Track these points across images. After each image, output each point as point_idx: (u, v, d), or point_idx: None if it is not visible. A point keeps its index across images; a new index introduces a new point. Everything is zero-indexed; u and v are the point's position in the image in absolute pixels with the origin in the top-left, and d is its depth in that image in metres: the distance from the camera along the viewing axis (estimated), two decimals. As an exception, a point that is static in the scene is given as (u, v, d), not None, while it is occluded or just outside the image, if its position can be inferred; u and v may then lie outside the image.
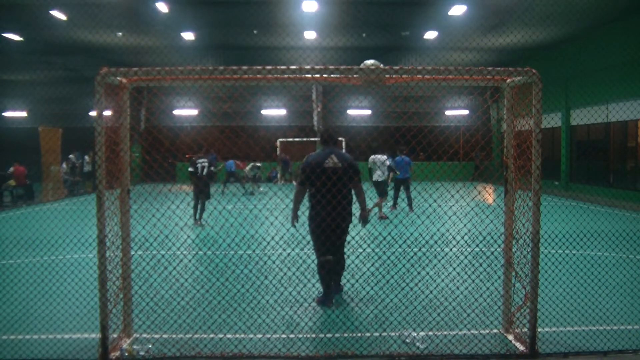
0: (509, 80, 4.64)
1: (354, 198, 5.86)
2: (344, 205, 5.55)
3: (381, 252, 8.73)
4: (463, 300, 5.80)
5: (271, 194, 18.94)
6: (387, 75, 4.37)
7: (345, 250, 6.01)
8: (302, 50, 21.15)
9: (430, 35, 18.96)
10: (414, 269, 7.11)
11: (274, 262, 7.60)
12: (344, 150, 25.14)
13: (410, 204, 14.21)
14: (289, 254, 8.41)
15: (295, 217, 5.89)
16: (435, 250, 8.56)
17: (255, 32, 18.59)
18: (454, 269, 6.66)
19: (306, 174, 5.67)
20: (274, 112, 29.88)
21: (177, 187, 20.70)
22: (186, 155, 29.17)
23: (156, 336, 4.80)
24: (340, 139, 27.23)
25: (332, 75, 4.41)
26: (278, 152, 26.80)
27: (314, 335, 4.83)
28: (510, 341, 4.70)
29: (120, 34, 18.24)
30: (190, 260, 7.65)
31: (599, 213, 13.76)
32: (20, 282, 6.37)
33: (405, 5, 15.86)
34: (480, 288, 5.81)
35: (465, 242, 7.75)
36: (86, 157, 22.03)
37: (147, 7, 15.39)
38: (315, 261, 5.93)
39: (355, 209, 5.84)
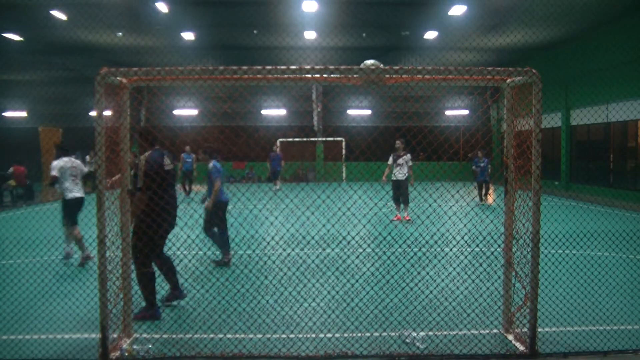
0: (509, 80, 4.65)
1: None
2: (174, 206, 5.56)
3: (381, 252, 8.73)
4: (463, 300, 5.80)
5: (271, 194, 18.93)
6: (387, 75, 4.36)
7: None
8: (302, 50, 21.14)
9: (430, 35, 18.96)
10: (414, 269, 7.11)
11: (274, 262, 7.60)
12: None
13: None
14: (289, 254, 8.41)
15: None
16: (435, 250, 8.56)
17: (255, 32, 18.60)
18: (454, 269, 6.66)
19: (152, 178, 5.10)
20: (274, 112, 29.86)
21: (177, 187, 20.67)
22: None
23: (156, 336, 4.81)
24: (340, 138, 27.24)
25: (332, 75, 4.41)
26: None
27: (314, 335, 4.83)
28: (510, 341, 4.70)
29: (120, 34, 18.25)
30: (190, 260, 7.65)
31: (599, 213, 13.75)
32: (20, 282, 6.37)
33: (405, 5, 15.87)
34: (480, 288, 5.81)
35: (465, 242, 7.75)
36: (87, 157, 22.03)
37: (147, 7, 15.40)
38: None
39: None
